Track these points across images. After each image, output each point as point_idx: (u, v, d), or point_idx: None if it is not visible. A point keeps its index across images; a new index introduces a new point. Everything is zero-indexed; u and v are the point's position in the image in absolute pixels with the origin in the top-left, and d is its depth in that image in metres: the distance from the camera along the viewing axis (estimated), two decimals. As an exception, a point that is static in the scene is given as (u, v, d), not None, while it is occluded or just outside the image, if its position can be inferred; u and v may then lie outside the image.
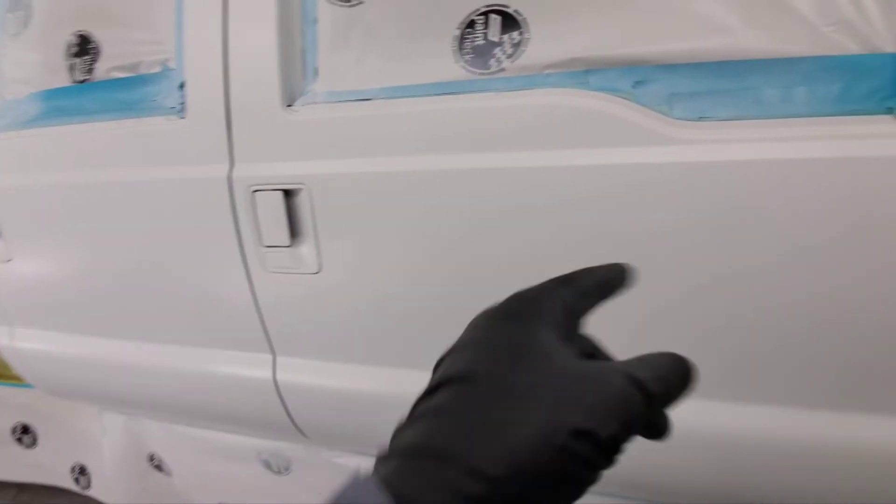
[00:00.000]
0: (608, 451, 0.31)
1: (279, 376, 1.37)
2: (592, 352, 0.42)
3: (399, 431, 0.34)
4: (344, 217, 1.19)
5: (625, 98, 0.99)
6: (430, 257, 1.16)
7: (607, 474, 0.34)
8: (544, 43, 1.01)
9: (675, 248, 1.00)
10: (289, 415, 1.42)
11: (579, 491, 0.31)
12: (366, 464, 1.46)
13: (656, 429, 0.36)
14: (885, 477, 1.04)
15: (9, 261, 1.61)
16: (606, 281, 0.43)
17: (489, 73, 1.05)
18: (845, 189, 0.90)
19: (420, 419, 0.33)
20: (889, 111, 0.89)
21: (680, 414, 0.42)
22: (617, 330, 0.75)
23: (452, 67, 1.06)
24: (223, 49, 1.21)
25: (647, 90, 0.98)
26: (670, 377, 0.34)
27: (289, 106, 1.19)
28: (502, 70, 1.04)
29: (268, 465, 1.79)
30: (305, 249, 1.24)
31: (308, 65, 1.17)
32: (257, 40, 1.18)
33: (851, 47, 0.89)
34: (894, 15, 0.87)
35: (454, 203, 1.12)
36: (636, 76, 0.98)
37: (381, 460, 0.33)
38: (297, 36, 1.17)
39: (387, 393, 1.28)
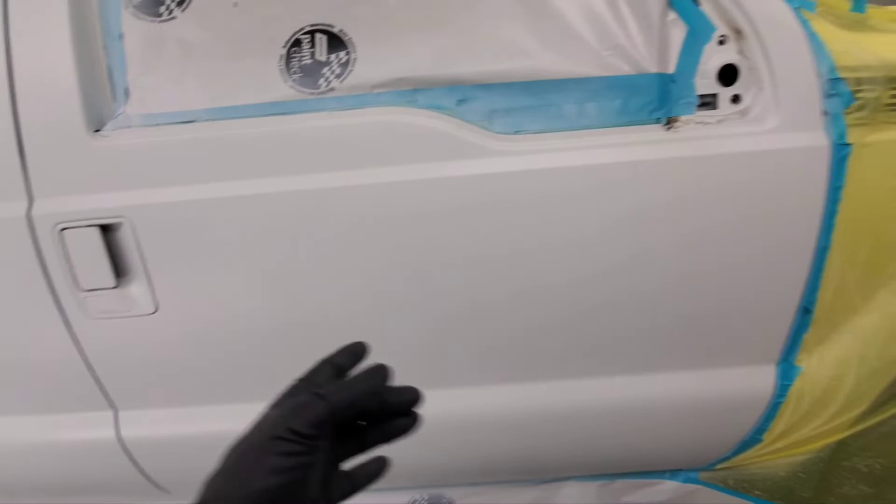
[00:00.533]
0: (307, 442, 0.31)
1: (124, 433, 0.77)
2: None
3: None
4: (176, 250, 0.69)
5: (450, 115, 0.64)
6: (274, 283, 0.72)
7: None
8: (371, 63, 0.64)
9: (502, 248, 0.73)
10: (143, 473, 0.82)
11: (307, 477, 0.30)
12: None
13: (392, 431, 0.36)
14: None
15: None
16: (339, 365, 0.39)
17: (319, 93, 0.63)
18: (628, 187, 0.70)
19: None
20: (658, 121, 0.71)
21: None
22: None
23: (281, 87, 0.63)
24: (7, 70, 0.61)
25: (470, 107, 0.67)
26: (353, 383, 0.34)
27: (97, 131, 0.63)
28: (332, 90, 0.63)
29: None
30: (136, 289, 0.69)
31: (117, 85, 0.64)
32: (49, 58, 0.62)
33: (625, 68, 0.69)
34: (654, 42, 0.62)
35: (293, 226, 0.72)
36: (459, 94, 0.66)
37: None
38: (99, 53, 0.63)
39: None
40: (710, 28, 0.67)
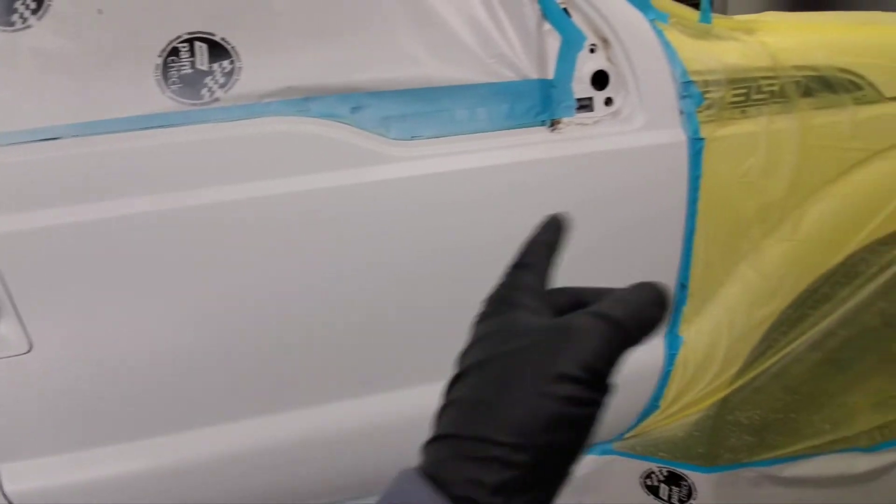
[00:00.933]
0: (595, 384, 0.22)
1: (8, 488, 0.68)
2: (572, 304, 0.27)
3: (436, 417, 0.25)
4: (47, 280, 0.61)
5: (345, 123, 0.64)
6: (161, 307, 0.65)
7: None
8: (258, 72, 0.62)
9: (404, 253, 0.73)
10: None
11: (589, 427, 0.22)
12: None
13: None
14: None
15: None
16: (549, 243, 0.31)
17: (203, 104, 0.60)
18: (519, 185, 0.74)
19: (443, 410, 0.24)
20: (543, 123, 0.76)
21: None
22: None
23: (159, 98, 0.60)
24: None
25: (364, 115, 0.68)
26: (635, 301, 0.24)
27: None
28: (217, 100, 0.61)
29: None
30: (4, 328, 0.60)
31: None
32: None
33: (510, 75, 0.73)
34: (532, 51, 0.67)
35: (180, 246, 0.67)
36: (353, 102, 0.67)
37: (424, 446, 0.24)
38: None
39: (154, 467, 0.71)
40: (582, 37, 0.73)
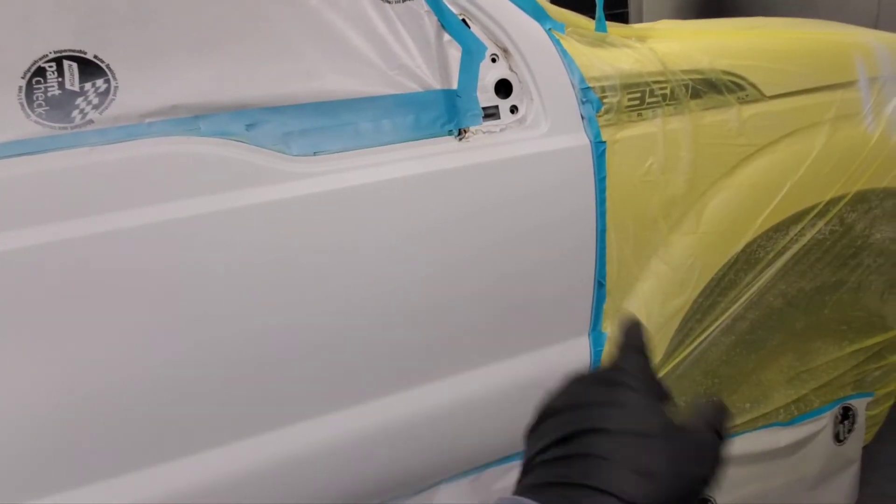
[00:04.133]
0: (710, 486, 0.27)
1: None
2: (665, 393, 0.32)
3: (532, 470, 0.27)
4: None
5: (240, 140, 0.59)
6: (56, 346, 0.56)
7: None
8: (137, 91, 0.57)
9: (308, 274, 0.68)
10: None
11: None
12: None
13: None
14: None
15: None
16: (644, 337, 0.34)
17: (74, 127, 0.53)
18: (430, 196, 0.72)
19: (560, 462, 0.26)
20: (450, 133, 0.74)
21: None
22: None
23: (23, 123, 0.53)
24: None
25: (261, 131, 0.63)
26: (724, 417, 0.30)
27: None
28: (90, 122, 0.55)
29: None
30: None
31: None
32: None
33: (413, 86, 0.71)
34: (433, 61, 0.66)
35: (65, 282, 0.59)
36: (247, 119, 0.62)
37: (527, 488, 0.25)
38: None
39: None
40: (482, 47, 0.72)
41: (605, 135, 0.77)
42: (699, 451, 0.27)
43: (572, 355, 0.87)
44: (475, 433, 0.86)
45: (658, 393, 0.31)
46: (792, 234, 0.97)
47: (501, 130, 0.74)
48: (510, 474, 1.05)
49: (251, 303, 0.65)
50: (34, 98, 0.56)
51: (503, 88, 0.75)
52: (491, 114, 0.75)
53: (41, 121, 0.57)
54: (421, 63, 0.70)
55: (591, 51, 0.79)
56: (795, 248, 0.99)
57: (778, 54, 0.96)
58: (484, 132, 0.74)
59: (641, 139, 0.80)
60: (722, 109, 0.85)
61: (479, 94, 0.73)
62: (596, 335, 0.89)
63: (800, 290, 1.03)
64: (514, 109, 0.76)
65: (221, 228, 0.62)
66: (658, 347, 0.94)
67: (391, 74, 0.69)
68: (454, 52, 0.72)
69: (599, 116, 0.77)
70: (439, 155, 0.71)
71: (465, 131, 0.73)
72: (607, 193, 0.78)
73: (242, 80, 0.63)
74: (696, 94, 0.83)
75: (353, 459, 0.78)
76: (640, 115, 0.80)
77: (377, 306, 0.72)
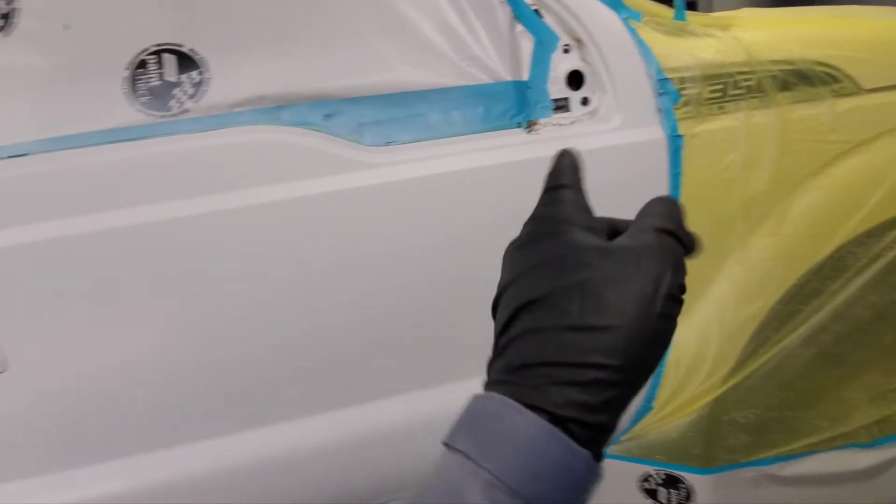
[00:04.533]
0: (680, 301, 0.23)
1: None
2: (610, 226, 0.27)
3: (492, 365, 0.23)
4: (20, 299, 0.57)
5: (318, 130, 0.61)
6: (138, 320, 0.61)
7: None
8: (228, 82, 0.60)
9: (377, 261, 0.69)
10: None
11: (668, 343, 0.23)
12: None
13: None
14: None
15: None
16: (574, 166, 0.29)
17: (172, 116, 0.57)
18: (498, 188, 0.71)
19: (511, 346, 0.22)
20: (519, 125, 0.73)
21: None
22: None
23: (127, 111, 0.57)
24: None
25: (338, 122, 0.66)
26: (673, 214, 0.25)
27: None
28: (186, 111, 0.58)
29: None
30: None
31: None
32: None
33: (484, 77, 0.71)
34: (505, 53, 0.65)
35: (156, 260, 0.64)
36: (325, 109, 0.66)
37: (492, 383, 0.22)
38: None
39: (133, 487, 0.66)
40: (555, 38, 0.70)
41: (683, 128, 0.73)
42: (649, 263, 0.22)
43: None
44: None
45: (597, 226, 0.25)
46: (886, 240, 0.88)
47: (571, 123, 0.72)
48: None
49: (324, 284, 0.67)
50: (137, 88, 0.61)
51: (575, 80, 0.73)
52: (561, 106, 0.73)
53: (143, 109, 0.61)
54: (492, 54, 0.69)
55: (669, 40, 0.76)
56: (889, 255, 0.90)
57: (877, 45, 0.87)
58: (553, 124, 0.72)
59: (722, 133, 0.75)
60: (813, 103, 0.79)
61: (549, 85, 0.72)
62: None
63: (892, 302, 0.94)
64: (585, 101, 0.74)
65: (298, 214, 0.65)
66: (729, 355, 0.89)
67: (462, 65, 0.69)
68: (526, 43, 0.71)
69: (677, 109, 0.73)
70: (508, 147, 0.70)
71: (535, 123, 0.72)
72: (682, 190, 0.74)
73: (321, 70, 0.65)
74: (784, 87, 0.77)
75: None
76: (721, 107, 0.75)
77: (443, 296, 0.72)
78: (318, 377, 0.72)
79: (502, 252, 0.72)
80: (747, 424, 0.96)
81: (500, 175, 0.70)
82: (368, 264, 0.68)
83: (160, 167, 0.61)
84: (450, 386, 0.77)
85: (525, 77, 0.71)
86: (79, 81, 0.60)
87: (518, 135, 0.71)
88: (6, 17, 0.58)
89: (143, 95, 0.61)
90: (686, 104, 0.74)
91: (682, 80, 0.74)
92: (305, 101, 0.65)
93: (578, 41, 0.72)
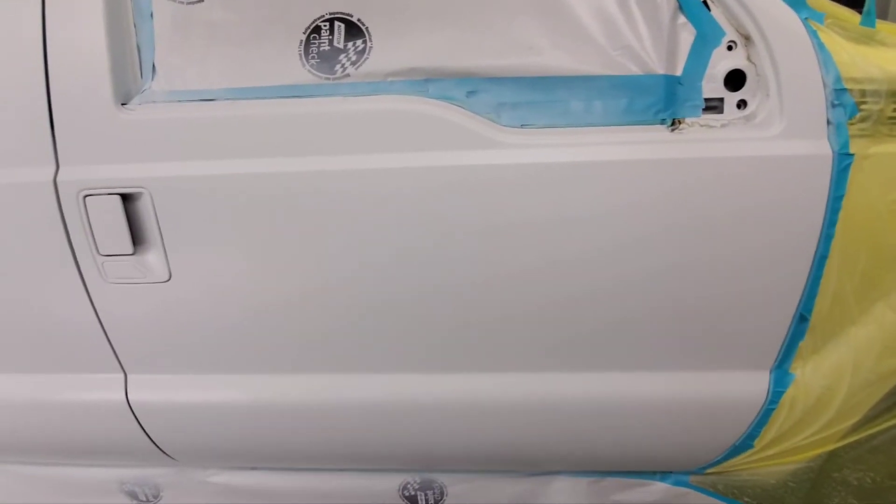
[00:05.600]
0: None
1: (132, 396, 0.80)
2: None
3: None
4: (191, 222, 0.71)
5: (460, 106, 0.64)
6: (284, 259, 0.75)
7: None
8: (386, 52, 0.65)
9: (507, 238, 0.72)
10: (149, 437, 0.86)
11: None
12: (242, 480, 0.87)
13: None
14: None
15: None
16: None
17: (335, 79, 0.64)
18: (629, 184, 0.69)
19: None
20: (663, 122, 0.70)
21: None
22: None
23: (299, 71, 0.64)
24: (41, 40, 0.62)
25: (479, 99, 0.69)
26: None
27: (123, 104, 0.64)
28: (347, 76, 0.64)
29: (133, 496, 1.06)
30: (152, 257, 0.70)
31: (145, 62, 0.65)
32: (82, 33, 0.64)
33: (633, 69, 0.68)
34: (662, 45, 0.61)
35: (305, 205, 0.72)
36: (469, 87, 0.69)
37: None
38: (129, 31, 0.64)
39: (256, 401, 0.78)
40: (720, 33, 0.66)
41: (855, 146, 0.65)
42: None
43: (746, 389, 0.78)
44: (617, 436, 0.82)
45: None
46: None
47: (722, 126, 0.68)
48: (631, 490, 0.99)
49: (440, 248, 0.71)
50: (310, 51, 0.67)
51: (734, 80, 0.67)
52: (714, 106, 0.68)
53: (312, 71, 0.68)
54: (647, 45, 0.67)
55: (854, 47, 0.67)
56: None
57: None
58: (702, 125, 0.68)
59: (903, 158, 0.66)
60: None
61: (704, 83, 0.67)
62: (780, 374, 0.78)
63: None
64: (742, 104, 0.68)
65: (430, 182, 0.68)
66: (858, 408, 0.79)
67: (613, 55, 0.67)
68: (686, 36, 0.67)
69: (851, 124, 0.65)
70: (646, 144, 0.68)
71: (681, 122, 0.68)
72: (841, 215, 0.66)
73: (471, 49, 0.67)
74: None
75: (509, 422, 0.81)
76: (907, 128, 0.66)
77: (553, 282, 0.72)
78: (412, 338, 0.77)
79: (624, 249, 0.72)
80: (861, 487, 0.86)
81: (633, 172, 0.67)
82: (487, 237, 0.70)
83: (319, 124, 0.68)
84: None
85: (678, 72, 0.67)
86: (264, 40, 0.68)
87: (660, 132, 0.68)
88: (214, -22, 0.67)
89: (313, 58, 0.67)
90: (863, 120, 0.65)
91: (863, 93, 0.66)
92: (452, 76, 0.68)
93: (747, 38, 0.66)
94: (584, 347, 0.76)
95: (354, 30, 0.67)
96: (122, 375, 0.85)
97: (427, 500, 1.05)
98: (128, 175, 0.70)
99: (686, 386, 0.78)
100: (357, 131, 0.68)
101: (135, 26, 0.69)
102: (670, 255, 0.69)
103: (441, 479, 1.01)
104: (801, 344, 0.73)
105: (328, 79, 0.67)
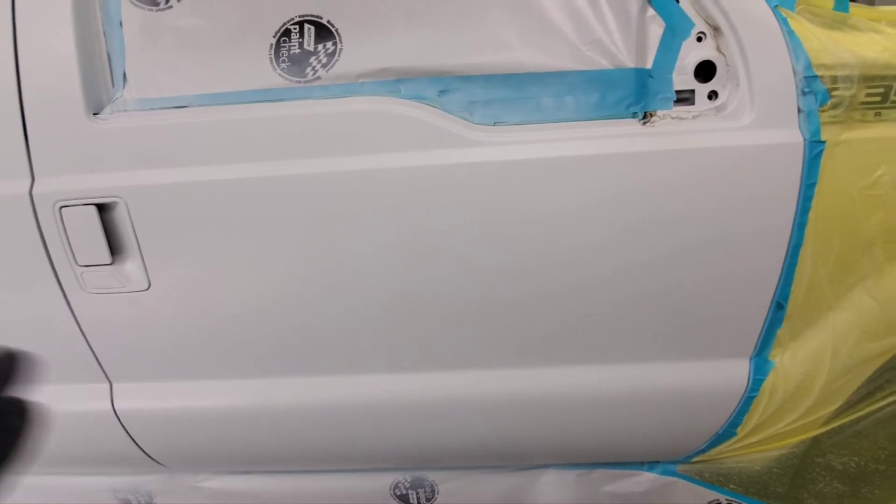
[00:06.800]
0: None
1: (118, 405, 0.80)
2: None
3: None
4: (167, 229, 0.70)
5: (432, 105, 0.65)
6: (261, 263, 0.74)
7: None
8: (357, 53, 0.65)
9: (478, 237, 0.72)
10: (137, 445, 0.87)
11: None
12: (234, 485, 0.86)
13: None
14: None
15: None
16: None
17: (306, 81, 0.63)
18: (601, 179, 0.69)
19: None
20: (634, 115, 0.70)
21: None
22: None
23: (270, 75, 0.64)
24: (13, 52, 0.62)
25: (451, 98, 0.68)
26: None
27: (95, 114, 0.64)
28: (318, 78, 0.64)
29: (127, 503, 1.07)
30: (130, 266, 0.70)
31: (115, 70, 0.65)
32: (53, 43, 0.63)
33: (604, 63, 0.69)
34: (632, 38, 0.61)
35: (277, 210, 0.72)
36: (440, 86, 0.68)
37: None
38: (99, 40, 0.64)
39: (242, 406, 0.79)
40: (689, 24, 0.66)
41: (826, 133, 0.65)
42: None
43: (727, 378, 0.79)
44: (603, 428, 0.83)
45: None
46: None
47: (694, 117, 0.68)
48: (620, 481, 1.00)
49: (416, 248, 0.72)
50: (280, 54, 0.67)
51: (704, 71, 0.68)
52: (685, 98, 0.69)
53: (283, 74, 0.68)
54: (616, 39, 0.67)
55: (825, 33, 0.67)
56: None
57: None
58: (673, 117, 0.68)
59: (874, 144, 0.66)
60: None
61: (675, 75, 0.67)
62: (759, 361, 0.79)
63: None
64: (713, 95, 0.68)
65: (404, 181, 0.68)
66: (839, 393, 0.80)
67: (583, 49, 0.67)
68: (655, 28, 0.67)
69: (822, 111, 0.65)
70: (618, 137, 0.68)
71: (652, 115, 0.68)
72: (814, 202, 0.67)
73: (442, 48, 0.67)
74: (967, 95, 0.65)
75: (499, 418, 0.82)
76: (878, 114, 0.66)
77: (531, 278, 0.73)
78: (386, 339, 0.77)
79: (596, 244, 0.72)
80: (845, 472, 0.87)
81: (605, 165, 0.68)
82: (458, 234, 0.71)
83: (291, 128, 0.68)
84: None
85: (648, 65, 0.68)
86: (234, 45, 0.68)
87: (632, 125, 0.68)
88: (183, -16, 0.67)
89: (284, 61, 0.68)
90: (835, 107, 0.66)
91: (835, 80, 0.66)
92: (424, 76, 0.68)
93: (716, 29, 0.66)
94: (565, 342, 0.77)
95: (324, 32, 0.67)
96: (107, 385, 0.86)
97: (419, 498, 1.05)
98: (102, 185, 0.70)
99: (668, 376, 0.79)
100: (329, 134, 0.68)
101: (104, 35, 0.69)
102: (647, 247, 0.70)
103: (432, 476, 1.02)
104: (779, 331, 0.74)
105: (299, 82, 0.67)
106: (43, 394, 0.86)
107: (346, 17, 0.66)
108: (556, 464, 0.96)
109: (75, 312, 0.77)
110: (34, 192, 0.71)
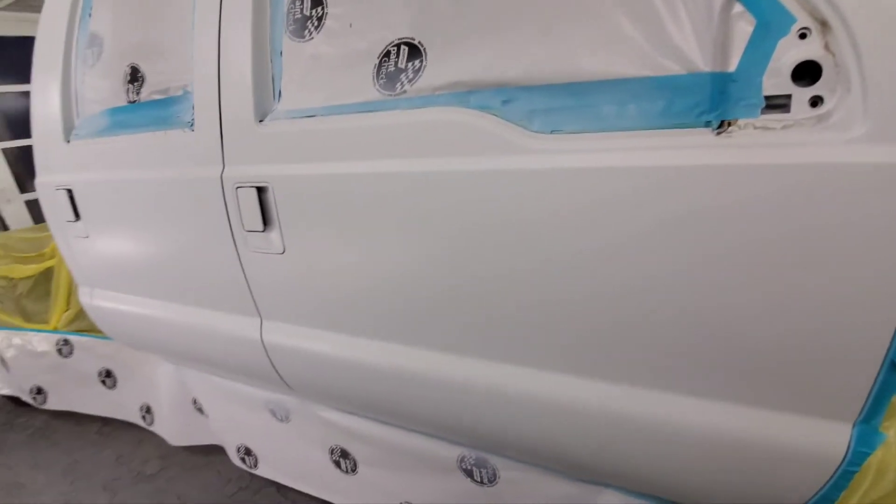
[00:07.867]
0: None
1: (265, 337, 1.09)
2: None
3: None
4: (298, 209, 0.95)
5: (495, 115, 0.72)
6: (362, 243, 0.91)
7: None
8: (436, 68, 0.77)
9: (534, 241, 0.75)
10: (276, 370, 1.13)
11: None
12: (341, 420, 1.14)
13: None
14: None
15: (86, 237, 1.36)
16: None
17: (395, 95, 0.78)
18: (669, 192, 0.65)
19: None
20: (707, 124, 0.63)
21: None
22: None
23: (370, 90, 0.81)
24: (217, 76, 0.94)
25: (512, 108, 0.74)
26: None
27: (260, 121, 0.91)
28: (404, 92, 0.77)
29: (273, 414, 1.41)
30: (274, 235, 0.97)
31: (276, 88, 0.90)
32: (239, 69, 0.91)
33: (675, 68, 0.64)
34: (710, 38, 0.62)
35: (374, 200, 0.87)
36: (504, 96, 0.74)
37: None
38: (268, 65, 0.90)
39: (352, 358, 0.99)
40: (789, 19, 0.59)
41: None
42: None
43: (818, 440, 0.67)
44: (674, 462, 0.79)
45: None
46: None
47: (785, 127, 0.60)
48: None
49: (472, 251, 0.79)
50: (380, 73, 0.83)
51: (806, 73, 0.59)
52: (779, 105, 0.61)
53: (380, 89, 0.83)
54: (690, 40, 0.63)
55: None
56: None
57: None
58: (757, 127, 0.61)
59: None
60: None
61: (766, 78, 0.60)
62: (865, 430, 0.65)
63: None
64: (815, 102, 0.59)
65: (467, 186, 0.77)
66: None
67: (652, 54, 0.65)
68: (743, 26, 0.61)
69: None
70: (684, 149, 0.64)
71: (730, 123, 0.63)
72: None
73: (509, 61, 0.73)
74: None
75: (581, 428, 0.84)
76: None
77: (576, 291, 0.74)
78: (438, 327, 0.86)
79: (654, 267, 0.73)
80: None
81: (667, 178, 0.64)
82: (514, 239, 0.76)
83: (382, 134, 0.84)
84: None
85: (731, 68, 0.62)
86: (349, 67, 0.86)
87: (703, 135, 0.64)
88: (320, 18, 0.88)
89: (381, 78, 0.83)
90: None
91: None
92: (491, 87, 0.76)
93: (823, 24, 0.58)
94: (650, 365, 0.74)
95: (415, 51, 0.80)
96: (258, 319, 1.18)
97: (481, 476, 1.15)
98: (261, 173, 0.98)
99: (751, 422, 0.71)
100: (410, 139, 0.82)
101: (271, 62, 0.95)
102: (708, 274, 0.64)
103: (494, 461, 1.10)
104: (895, 398, 0.60)
105: (390, 95, 0.83)
106: (223, 321, 1.25)
107: (431, 37, 0.78)
108: (617, 486, 0.94)
109: (242, 263, 1.09)
110: (224, 175, 1.02)
